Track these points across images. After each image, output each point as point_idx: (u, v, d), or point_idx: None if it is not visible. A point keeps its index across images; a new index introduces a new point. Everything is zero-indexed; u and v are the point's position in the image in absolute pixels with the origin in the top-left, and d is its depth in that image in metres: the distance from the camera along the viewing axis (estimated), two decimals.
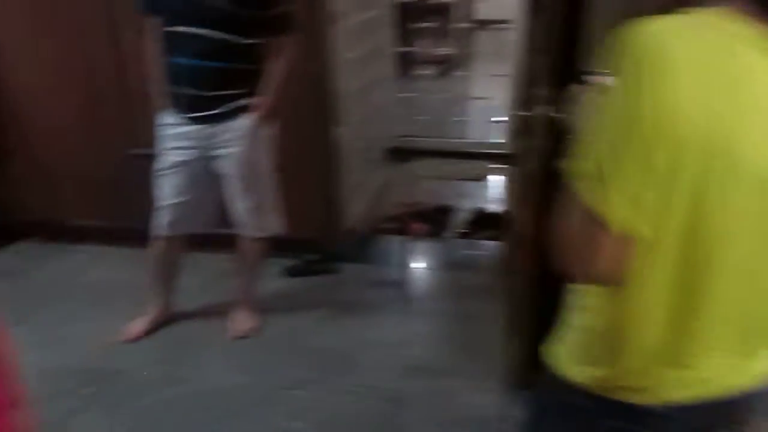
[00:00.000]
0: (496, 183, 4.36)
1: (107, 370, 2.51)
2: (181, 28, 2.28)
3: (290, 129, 2.61)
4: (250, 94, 2.37)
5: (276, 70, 2.37)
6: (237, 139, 2.38)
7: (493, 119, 4.93)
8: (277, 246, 2.74)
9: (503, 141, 4.64)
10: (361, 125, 3.65)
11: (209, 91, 2.33)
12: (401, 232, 3.60)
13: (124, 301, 2.96)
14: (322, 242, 3.25)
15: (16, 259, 3.44)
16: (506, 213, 3.60)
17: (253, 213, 2.51)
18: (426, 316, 2.88)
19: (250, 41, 2.31)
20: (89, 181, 3.40)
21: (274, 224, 2.59)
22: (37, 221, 3.57)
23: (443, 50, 6.14)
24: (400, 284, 3.19)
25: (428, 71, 6.25)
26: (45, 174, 3.46)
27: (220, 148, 2.40)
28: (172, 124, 2.42)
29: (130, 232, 3.29)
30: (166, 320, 2.76)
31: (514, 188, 3.20)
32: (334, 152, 3.23)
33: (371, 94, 3.91)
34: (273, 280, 3.00)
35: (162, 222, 2.53)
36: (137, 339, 2.67)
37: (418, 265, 3.38)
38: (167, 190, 2.48)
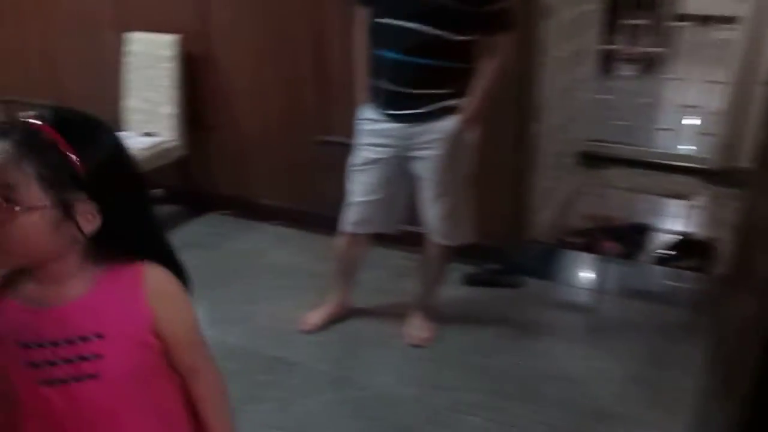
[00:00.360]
0: (701, 204, 3.90)
1: (283, 359, 2.51)
2: (391, 21, 2.17)
3: (485, 129, 2.43)
4: (457, 95, 2.22)
5: (488, 70, 2.19)
6: (437, 142, 2.24)
7: (699, 130, 4.43)
8: (457, 251, 2.59)
9: (710, 157, 4.15)
10: (558, 128, 3.39)
11: (414, 89, 2.20)
12: (590, 248, 3.31)
13: (303, 287, 2.97)
14: (505, 251, 3.06)
15: (206, 230, 3.59)
16: (717, 243, 3.19)
17: (444, 220, 2.37)
18: (614, 350, 2.58)
19: (464, 38, 2.15)
20: (281, 162, 3.46)
21: (465, 234, 2.44)
22: (227, 196, 3.71)
23: (647, 49, 5.62)
24: (586, 309, 2.93)
25: (630, 71, 5.76)
26: (240, 151, 3.57)
27: (418, 149, 2.27)
28: (370, 120, 2.34)
29: (317, 217, 3.32)
30: (342, 315, 2.72)
31: (729, 216, 2.81)
32: (528, 156, 3.01)
33: (572, 95, 3.63)
34: (451, 287, 2.85)
35: (349, 219, 2.46)
36: (313, 331, 2.66)
37: (607, 289, 3.08)
38: (358, 187, 2.41)
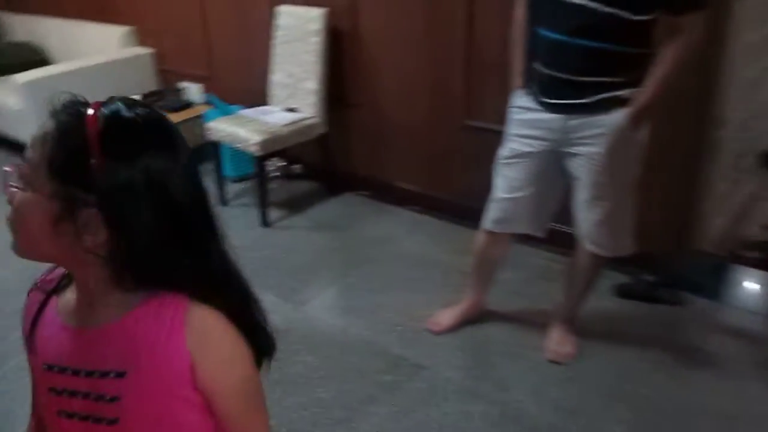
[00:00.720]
0: None
1: (408, 361, 2.35)
2: None
3: (656, 123, 2.08)
4: (628, 85, 1.90)
5: (669, 56, 1.85)
6: (600, 138, 1.94)
7: None
8: (611, 260, 2.28)
9: None
10: (741, 124, 2.92)
11: (577, 76, 1.91)
12: None
13: (436, 281, 2.81)
14: (666, 262, 2.69)
15: (341, 211, 3.51)
16: None
17: (600, 227, 2.08)
18: None
19: (642, 18, 1.82)
20: (423, 146, 3.28)
21: (622, 245, 2.13)
22: (365, 176, 3.60)
23: None
24: (758, 338, 2.50)
25: None
26: (380, 132, 3.43)
27: (576, 145, 1.99)
28: (523, 108, 2.08)
29: (458, 207, 3.13)
30: (475, 317, 2.52)
31: None
32: (704, 155, 2.61)
33: (760, 87, 3.12)
34: (599, 298, 2.54)
35: (490, 215, 2.24)
36: (442, 332, 2.47)
37: None
38: (503, 182, 2.17)
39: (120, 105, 0.82)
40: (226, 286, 0.88)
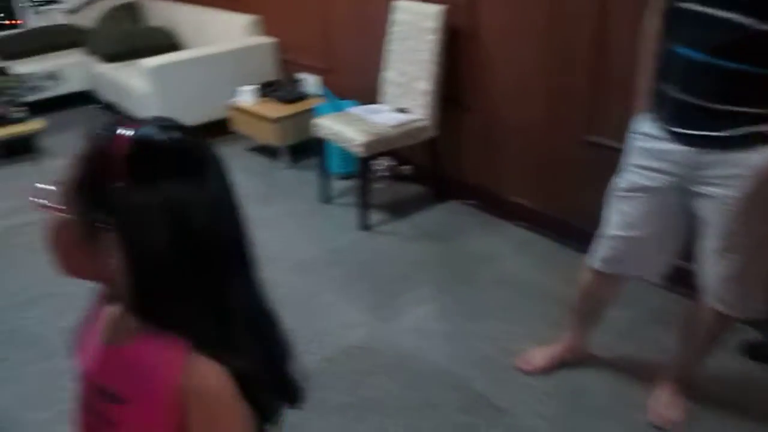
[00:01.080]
0: None
1: (490, 400, 2.14)
2: (697, 7, 1.58)
3: None
4: None
5: None
6: (737, 179, 1.62)
7: None
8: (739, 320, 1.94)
9: None
10: None
11: (717, 104, 1.60)
12: None
13: (536, 311, 2.56)
14: None
15: (445, 219, 3.32)
16: None
17: (727, 283, 1.75)
18: None
19: None
20: (538, 158, 3.01)
21: (753, 306, 1.79)
22: (473, 185, 3.39)
23: None
24: None
25: None
26: (493, 139, 3.20)
27: (707, 184, 1.67)
28: (647, 135, 1.79)
29: (572, 228, 2.86)
30: (573, 360, 2.25)
31: None
32: None
33: None
34: (723, 356, 2.19)
35: (598, 253, 1.97)
36: (533, 373, 2.24)
37: None
38: (615, 217, 1.90)
39: (153, 128, 0.79)
40: (245, 332, 0.83)
